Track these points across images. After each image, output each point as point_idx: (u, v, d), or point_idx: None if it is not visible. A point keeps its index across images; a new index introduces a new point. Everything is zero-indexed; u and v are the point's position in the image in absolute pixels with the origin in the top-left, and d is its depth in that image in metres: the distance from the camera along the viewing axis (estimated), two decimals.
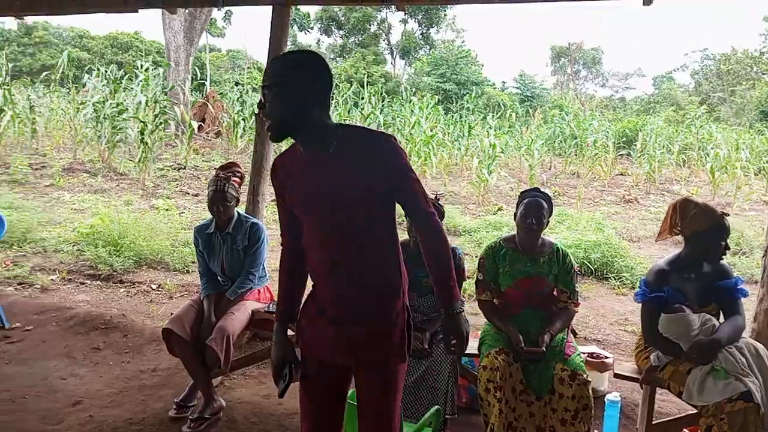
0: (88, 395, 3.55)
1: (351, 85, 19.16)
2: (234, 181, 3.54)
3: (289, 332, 2.11)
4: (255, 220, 3.68)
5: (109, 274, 5.83)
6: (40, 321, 4.62)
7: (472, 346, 3.22)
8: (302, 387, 2.02)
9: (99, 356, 4.10)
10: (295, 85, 1.81)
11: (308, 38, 36.32)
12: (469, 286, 5.26)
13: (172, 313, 3.59)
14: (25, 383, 3.66)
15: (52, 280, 5.61)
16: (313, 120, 1.84)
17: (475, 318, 3.91)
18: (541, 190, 3.20)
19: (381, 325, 1.91)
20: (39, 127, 13.98)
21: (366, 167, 1.84)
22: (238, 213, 3.62)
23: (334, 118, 14.00)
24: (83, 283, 5.66)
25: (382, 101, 15.99)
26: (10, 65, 12.87)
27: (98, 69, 13.70)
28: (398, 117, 14.71)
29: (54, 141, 14.60)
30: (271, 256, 3.79)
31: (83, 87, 14.84)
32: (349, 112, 15.26)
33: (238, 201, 3.60)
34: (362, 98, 15.03)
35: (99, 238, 6.33)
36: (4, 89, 10.95)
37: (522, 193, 3.21)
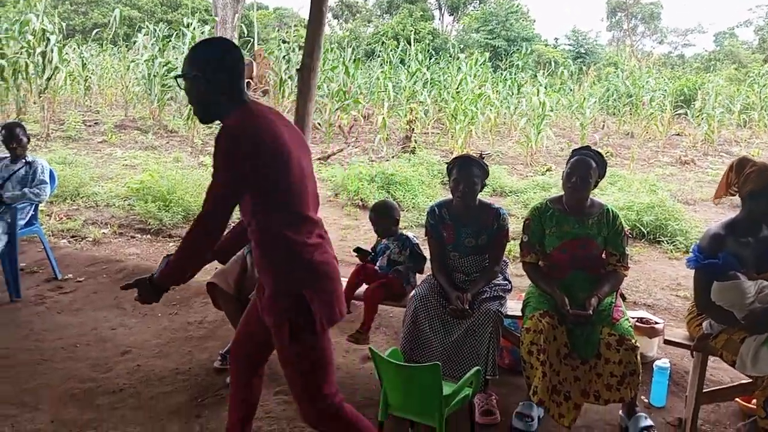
0: (136, 345, 3.65)
1: (398, 43, 18.83)
2: None
3: None
4: None
5: (159, 228, 5.95)
6: (92, 273, 4.76)
7: (515, 308, 3.16)
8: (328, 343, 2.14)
9: (147, 308, 4.20)
10: (198, 78, 1.99)
11: None
12: (513, 247, 5.15)
13: (216, 268, 3.63)
14: (77, 332, 3.80)
15: (103, 233, 5.77)
16: (224, 106, 2.01)
17: (518, 279, 3.83)
18: (593, 148, 3.06)
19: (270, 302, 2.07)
20: (92, 85, 14.29)
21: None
22: None
23: (379, 75, 13.84)
24: (133, 237, 5.81)
25: (429, 58, 15.68)
26: (64, 24, 13.09)
27: (148, 27, 13.81)
28: (445, 74, 14.41)
29: (106, 98, 14.93)
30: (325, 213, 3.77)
31: (134, 45, 15.03)
32: (395, 69, 15.04)
33: None
34: (409, 55, 14.76)
35: (149, 194, 6.46)
36: (58, 47, 11.17)
37: (573, 151, 3.08)
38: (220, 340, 3.69)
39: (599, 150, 3.12)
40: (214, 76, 2.00)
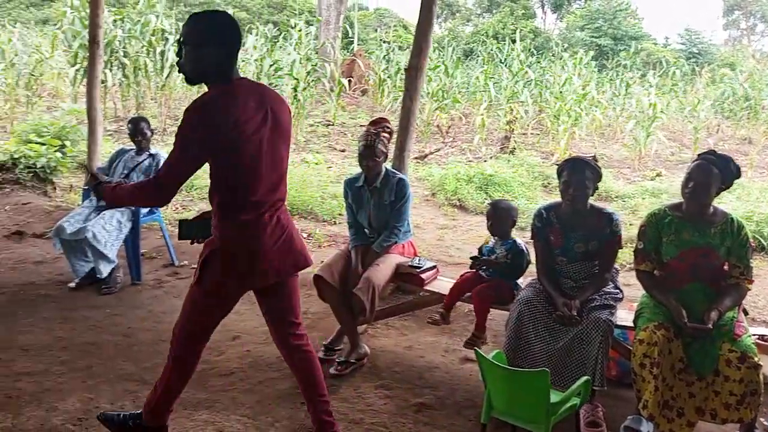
0: (245, 331, 3.83)
1: (497, 41, 18.56)
2: (383, 136, 3.57)
3: None
4: (402, 176, 3.70)
5: None
6: None
7: (626, 318, 3.05)
8: (222, 309, 2.62)
9: (255, 297, 4.40)
10: (207, 44, 2.16)
11: None
12: (623, 254, 4.95)
13: (322, 261, 3.75)
14: None
15: None
16: (214, 75, 2.20)
17: (628, 289, 3.68)
18: (718, 153, 2.89)
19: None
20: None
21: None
22: (386, 168, 3.66)
23: (479, 74, 13.69)
24: None
25: (530, 57, 15.33)
26: (180, 24, 13.90)
27: (258, 28, 14.40)
28: (547, 74, 14.05)
29: None
30: (413, 212, 3.82)
31: (243, 45, 15.70)
32: (495, 69, 14.83)
33: (386, 156, 3.64)
34: (508, 55, 14.51)
35: None
36: (174, 47, 11.88)
37: (698, 155, 2.92)
38: (323, 332, 3.81)
39: (728, 155, 2.92)
40: (218, 47, 2.18)
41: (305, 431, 2.79)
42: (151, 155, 4.71)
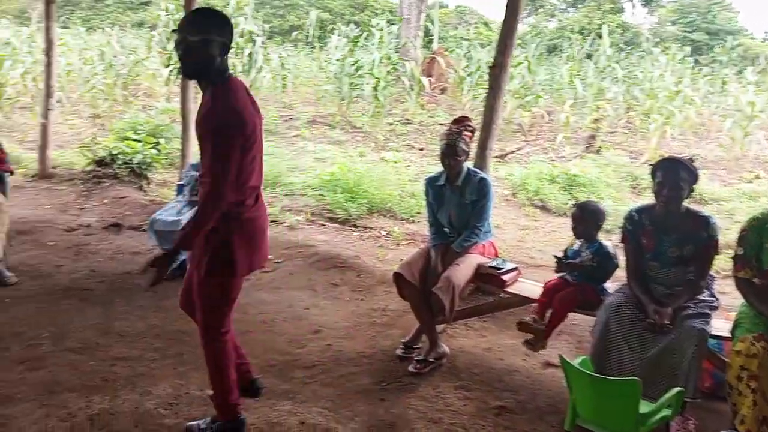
0: (326, 326, 3.91)
1: (583, 37, 17.98)
2: (465, 135, 3.54)
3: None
4: (484, 175, 3.66)
5: (345, 218, 6.31)
6: (288, 255, 5.18)
7: (722, 328, 2.88)
8: (234, 292, 2.66)
9: (336, 291, 4.49)
10: (213, 41, 2.28)
11: None
12: (718, 261, 4.68)
13: (401, 259, 3.77)
14: (275, 309, 4.16)
15: (297, 220, 6.25)
16: (215, 67, 2.33)
17: (724, 297, 3.47)
18: None
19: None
20: (288, 83, 15.48)
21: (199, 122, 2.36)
22: (468, 167, 3.63)
23: (564, 71, 13.33)
24: (323, 225, 6.21)
25: (619, 53, 14.77)
26: (266, 26, 14.35)
27: (340, 28, 14.62)
28: (638, 70, 13.47)
29: (300, 95, 16.09)
30: (494, 212, 3.76)
31: (325, 45, 16.02)
32: (581, 65, 14.39)
33: (468, 155, 3.60)
34: (595, 51, 14.02)
35: (337, 185, 6.86)
36: (263, 48, 12.28)
37: None
38: (402, 329, 3.82)
39: None
40: (220, 43, 2.31)
41: (384, 427, 2.81)
42: None
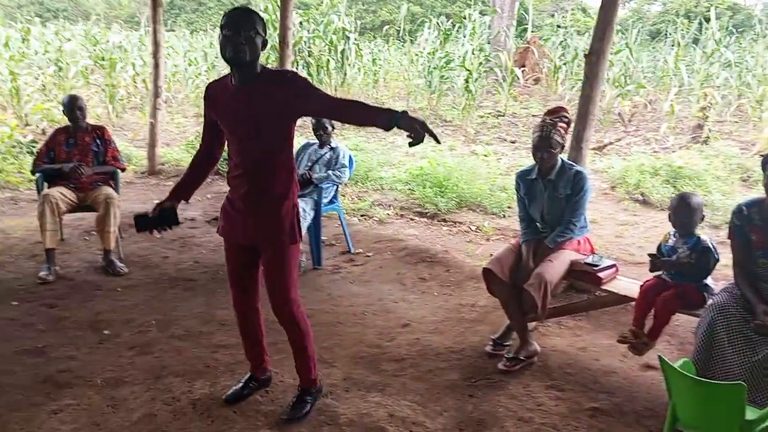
0: (415, 320, 3.93)
1: (690, 21, 16.91)
2: (560, 126, 3.42)
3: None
4: (580, 168, 3.53)
5: (434, 212, 6.30)
6: (378, 249, 5.25)
7: None
8: (226, 261, 2.86)
9: (425, 286, 4.50)
10: (259, 35, 2.47)
11: None
12: None
13: (491, 254, 3.71)
14: (366, 302, 4.22)
15: (387, 214, 6.31)
16: (258, 62, 2.51)
17: None
18: None
19: (274, 218, 2.63)
20: (379, 78, 15.62)
21: (276, 96, 2.50)
22: (562, 160, 3.51)
23: (668, 57, 12.59)
24: (412, 219, 6.24)
25: (728, 37, 13.75)
26: (358, 22, 14.54)
27: (430, 21, 14.56)
28: (749, 55, 12.50)
29: (391, 90, 16.20)
30: (590, 206, 3.63)
31: (417, 39, 16.02)
32: (687, 51, 13.54)
33: (563, 147, 3.48)
34: (704, 34, 13.14)
35: (427, 180, 6.86)
36: (355, 45, 12.46)
37: None
38: (491, 325, 3.78)
39: None
40: (265, 37, 2.52)
41: (472, 424, 2.79)
42: (332, 149, 4.98)
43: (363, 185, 7.28)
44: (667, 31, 15.88)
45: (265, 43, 2.53)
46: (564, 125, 3.45)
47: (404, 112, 2.29)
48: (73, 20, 22.60)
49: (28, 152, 7.84)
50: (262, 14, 10.45)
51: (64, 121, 4.98)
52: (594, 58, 4.03)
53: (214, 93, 2.66)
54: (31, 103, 10.81)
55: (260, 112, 2.53)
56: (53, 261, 4.47)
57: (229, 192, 2.75)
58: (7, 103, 11.44)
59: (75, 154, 4.68)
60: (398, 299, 4.27)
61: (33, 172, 4.78)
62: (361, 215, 6.29)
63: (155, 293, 4.27)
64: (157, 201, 2.73)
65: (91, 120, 5.09)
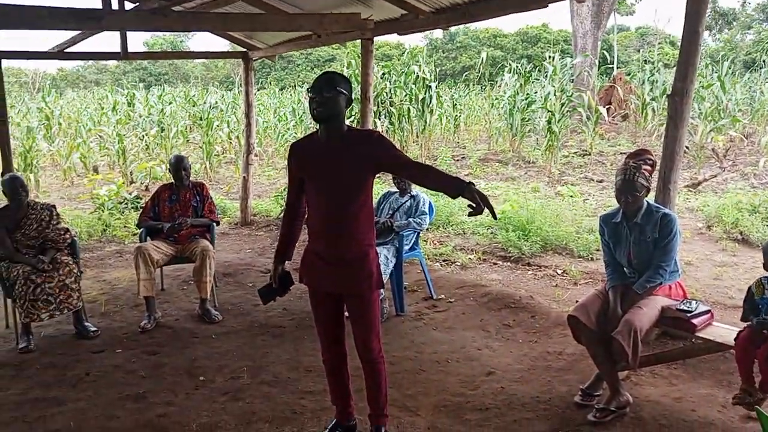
0: (499, 368, 3.87)
1: None
2: (645, 169, 3.35)
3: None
4: (667, 211, 3.42)
5: (518, 256, 6.22)
6: (460, 295, 5.23)
7: None
8: (312, 308, 3.02)
9: (509, 332, 4.43)
10: (341, 94, 2.68)
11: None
12: None
13: (577, 301, 3.63)
14: (448, 349, 4.21)
15: (469, 258, 6.30)
16: (342, 118, 2.71)
17: None
18: None
19: (360, 267, 2.80)
20: (460, 123, 15.78)
21: (359, 154, 2.71)
22: (648, 202, 3.42)
23: (764, 88, 11.96)
24: (495, 264, 6.18)
25: None
26: (437, 69, 14.85)
27: (510, 65, 14.65)
28: None
29: (471, 134, 16.31)
30: (684, 247, 3.48)
31: (497, 83, 16.12)
32: None
33: (648, 190, 3.40)
34: None
35: (509, 223, 6.81)
36: (436, 93, 12.72)
37: None
38: (579, 374, 3.66)
39: None
40: (349, 96, 2.73)
41: None
42: (412, 196, 5.08)
43: (444, 230, 7.31)
44: (762, 61, 15.13)
45: (349, 101, 2.74)
46: (648, 168, 3.37)
47: (470, 184, 2.47)
48: (174, 84, 24.43)
49: (132, 208, 8.48)
50: (345, 71, 10.94)
51: (166, 178, 5.37)
52: (678, 98, 3.93)
53: (299, 150, 2.89)
54: (136, 162, 11.73)
55: (344, 168, 2.72)
56: (153, 309, 4.77)
57: (311, 242, 2.90)
58: (114, 162, 12.48)
59: (177, 209, 5.03)
60: (482, 346, 4.23)
61: (138, 226, 5.17)
62: (443, 261, 6.31)
63: (246, 340, 4.45)
64: (268, 269, 3.12)
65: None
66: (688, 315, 3.24)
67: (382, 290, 4.64)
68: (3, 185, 4.51)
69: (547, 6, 4.54)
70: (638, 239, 3.39)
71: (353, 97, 2.79)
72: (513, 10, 4.73)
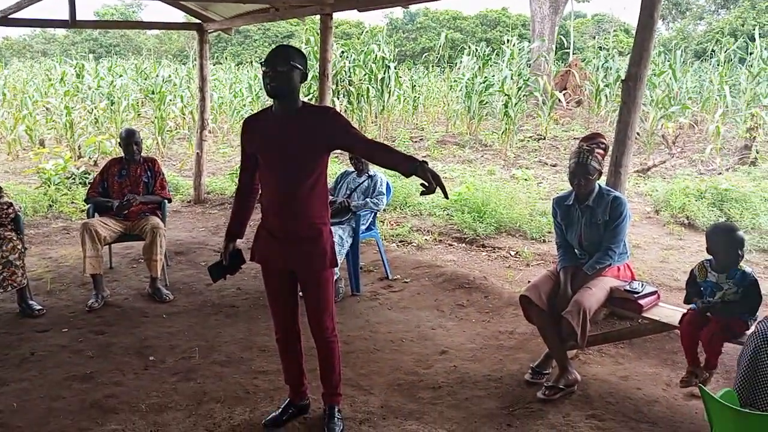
0: (452, 347, 3.91)
1: (735, 40, 16.56)
2: (597, 153, 3.41)
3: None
4: (617, 194, 3.50)
5: (473, 238, 6.29)
6: (415, 275, 5.26)
7: None
8: (265, 287, 2.98)
9: (463, 312, 4.49)
10: (296, 69, 2.64)
11: None
12: None
13: (529, 281, 3.69)
14: (403, 328, 4.23)
15: (425, 239, 6.33)
16: (296, 94, 2.68)
17: None
18: None
19: (314, 245, 2.77)
20: (419, 105, 15.78)
21: (314, 130, 2.66)
22: (600, 186, 3.49)
23: (713, 77, 12.36)
24: (451, 245, 6.23)
25: None
26: (397, 50, 14.77)
27: (469, 47, 14.68)
28: None
29: (430, 116, 16.33)
30: (633, 230, 3.58)
31: (456, 66, 16.15)
32: (732, 71, 13.25)
33: (600, 174, 3.47)
34: (750, 54, 12.85)
35: (465, 205, 6.87)
36: (395, 73, 12.65)
37: None
38: (530, 353, 3.74)
39: None
40: (304, 70, 2.68)
41: None
42: (369, 177, 5.06)
43: (401, 211, 7.32)
44: (712, 51, 15.59)
45: (304, 76, 2.69)
46: (601, 151, 3.44)
47: (423, 162, 2.46)
48: (125, 56, 23.61)
49: (80, 183, 8.19)
50: (304, 47, 10.75)
51: (116, 152, 5.20)
52: (631, 83, 4.00)
53: (252, 126, 2.82)
54: (84, 135, 11.32)
55: (298, 144, 2.67)
56: (101, 288, 4.64)
57: (264, 220, 2.86)
58: (61, 135, 12.02)
59: (127, 185, 4.88)
60: (436, 326, 4.27)
61: (86, 201, 5.00)
62: (399, 241, 6.33)
63: (199, 319, 4.38)
64: (221, 248, 3.00)
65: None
66: (635, 296, 3.34)
67: (337, 270, 4.63)
68: None
69: None
70: (589, 221, 3.46)
71: (310, 74, 2.74)
72: None
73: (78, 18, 6.07)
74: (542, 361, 3.50)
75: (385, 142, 2.91)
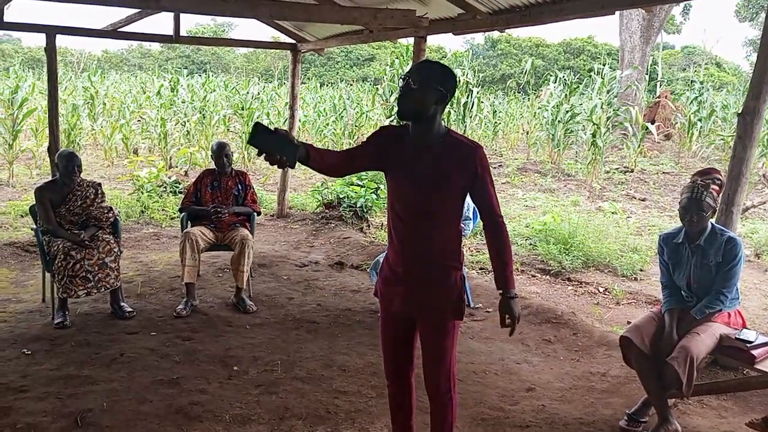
0: (540, 384, 3.73)
1: None
2: (713, 189, 3.20)
3: None
4: (732, 234, 3.26)
5: (558, 270, 6.05)
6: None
7: None
8: (380, 330, 2.62)
9: (550, 348, 4.29)
10: (429, 87, 2.24)
11: None
12: None
13: (629, 322, 3.49)
14: (486, 360, 4.08)
15: None
16: (430, 115, 2.28)
17: None
18: None
19: (442, 290, 2.41)
20: (499, 130, 15.60)
21: (456, 165, 2.30)
22: (713, 225, 3.26)
23: None
24: (534, 276, 6.03)
25: None
26: (479, 75, 14.68)
27: (555, 74, 14.42)
28: None
29: (510, 142, 16.11)
30: (742, 275, 3.32)
31: (539, 92, 15.89)
32: None
33: (714, 211, 3.25)
34: None
35: (550, 236, 6.64)
36: (477, 98, 12.57)
37: None
38: (624, 398, 3.51)
39: None
40: (445, 92, 2.28)
41: None
42: None
43: (482, 237, 7.16)
44: None
45: (443, 98, 2.28)
46: (716, 188, 3.22)
47: (515, 297, 2.40)
48: (215, 73, 24.66)
49: (171, 192, 8.51)
50: (387, 69, 10.71)
51: (206, 164, 5.35)
52: (748, 117, 3.75)
53: (387, 139, 2.42)
54: (176, 147, 11.81)
55: (442, 179, 2.31)
56: (193, 296, 4.74)
57: (389, 253, 2.52)
58: (154, 145, 12.59)
59: (218, 196, 5.00)
60: (521, 360, 4.09)
61: (181, 211, 5.15)
62: (480, 268, 6.18)
63: (280, 333, 4.39)
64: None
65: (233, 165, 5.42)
66: (749, 345, 3.08)
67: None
68: (59, 159, 4.50)
69: (613, 13, 4.39)
70: (700, 262, 3.23)
71: (435, 96, 2.26)
72: (577, 15, 4.57)
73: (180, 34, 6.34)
74: (639, 408, 3.27)
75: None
